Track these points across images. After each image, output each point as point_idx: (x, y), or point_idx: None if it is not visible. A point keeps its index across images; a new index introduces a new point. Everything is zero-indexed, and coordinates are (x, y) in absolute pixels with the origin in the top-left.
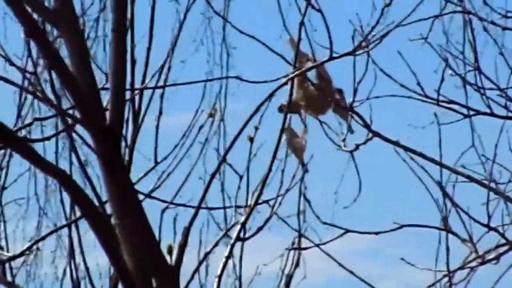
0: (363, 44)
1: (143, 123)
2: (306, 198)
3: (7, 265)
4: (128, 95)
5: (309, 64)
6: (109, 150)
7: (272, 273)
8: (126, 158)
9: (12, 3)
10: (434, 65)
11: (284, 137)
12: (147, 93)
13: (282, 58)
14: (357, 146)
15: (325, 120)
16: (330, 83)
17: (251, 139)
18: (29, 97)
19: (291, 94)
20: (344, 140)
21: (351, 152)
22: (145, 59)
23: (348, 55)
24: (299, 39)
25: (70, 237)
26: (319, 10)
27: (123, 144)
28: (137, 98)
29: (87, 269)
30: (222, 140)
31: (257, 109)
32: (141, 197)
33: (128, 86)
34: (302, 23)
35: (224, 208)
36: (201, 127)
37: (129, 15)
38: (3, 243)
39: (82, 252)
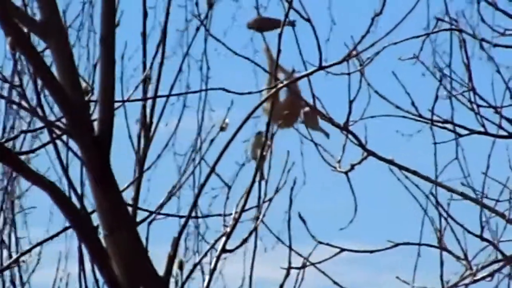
0: (353, 53)
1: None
2: (301, 217)
3: None
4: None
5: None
6: (99, 160)
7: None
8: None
9: None
10: (426, 82)
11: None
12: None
13: (264, 70)
14: (352, 166)
15: (319, 141)
16: (299, 95)
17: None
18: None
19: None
20: (339, 161)
21: (346, 173)
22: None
23: (338, 64)
24: (278, 51)
25: (79, 248)
26: (308, 20)
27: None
28: (148, 109)
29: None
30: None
31: (244, 122)
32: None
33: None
34: (280, 35)
35: (209, 216)
36: (212, 141)
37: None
38: None
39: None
